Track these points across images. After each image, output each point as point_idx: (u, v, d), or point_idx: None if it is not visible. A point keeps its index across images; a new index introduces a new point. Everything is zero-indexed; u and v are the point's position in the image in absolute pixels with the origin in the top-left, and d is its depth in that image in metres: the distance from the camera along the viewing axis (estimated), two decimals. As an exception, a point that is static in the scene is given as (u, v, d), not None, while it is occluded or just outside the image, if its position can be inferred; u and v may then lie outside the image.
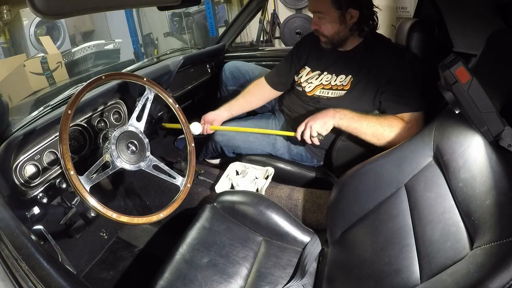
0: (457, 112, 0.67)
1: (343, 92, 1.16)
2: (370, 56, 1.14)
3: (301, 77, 1.28)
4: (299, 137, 1.16)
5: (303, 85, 1.26)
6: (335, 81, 1.19)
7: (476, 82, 0.61)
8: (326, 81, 1.21)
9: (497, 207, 0.53)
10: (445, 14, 1.09)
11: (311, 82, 1.24)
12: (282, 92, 1.42)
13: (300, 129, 1.14)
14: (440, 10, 1.10)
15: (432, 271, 0.58)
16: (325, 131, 1.10)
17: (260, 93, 1.41)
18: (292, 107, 1.32)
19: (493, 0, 0.88)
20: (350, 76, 1.16)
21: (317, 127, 1.10)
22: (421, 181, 0.76)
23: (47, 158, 0.90)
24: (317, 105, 1.22)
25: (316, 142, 1.13)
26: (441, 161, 0.72)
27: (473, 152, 0.65)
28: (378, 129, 1.05)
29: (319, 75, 1.23)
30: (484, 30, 0.87)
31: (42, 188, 0.89)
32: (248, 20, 1.81)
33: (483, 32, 0.81)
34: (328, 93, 1.20)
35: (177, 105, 1.01)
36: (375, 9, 1.15)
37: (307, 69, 1.27)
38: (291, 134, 1.23)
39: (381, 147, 1.05)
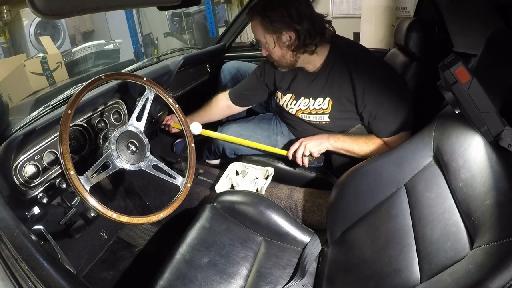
0: (457, 112, 0.67)
1: (326, 116, 1.15)
2: (345, 74, 1.08)
3: (279, 101, 1.28)
4: (290, 156, 1.18)
5: (286, 109, 1.26)
6: (313, 105, 1.16)
7: (476, 82, 0.61)
8: (304, 105, 1.18)
9: (497, 207, 0.53)
10: (445, 14, 1.09)
11: (291, 107, 1.23)
12: (244, 108, 1.43)
13: (293, 147, 1.16)
14: (440, 10, 1.10)
15: (432, 271, 0.58)
16: (317, 151, 1.13)
17: (219, 108, 1.41)
18: (287, 116, 1.31)
19: (493, 0, 0.88)
20: (328, 98, 1.12)
21: (311, 146, 1.13)
22: (421, 181, 0.76)
23: (47, 158, 0.90)
24: (306, 123, 1.23)
25: (306, 163, 1.16)
26: (441, 161, 0.72)
27: (473, 152, 0.65)
28: (365, 151, 1.11)
29: (296, 99, 1.20)
30: (484, 30, 0.87)
31: (42, 188, 0.89)
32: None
33: (483, 32, 0.81)
34: (309, 117, 1.19)
35: (177, 105, 1.01)
36: (328, 18, 1.10)
37: (280, 93, 1.26)
38: (283, 152, 1.23)
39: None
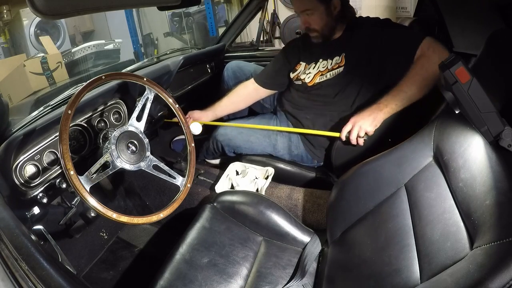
0: (457, 112, 0.67)
1: (341, 68, 1.20)
2: (356, 33, 1.20)
3: (299, 72, 1.31)
4: (343, 138, 1.12)
5: (301, 77, 1.29)
6: (331, 64, 1.23)
7: (476, 82, 0.61)
8: (323, 67, 1.24)
9: (497, 207, 0.53)
10: (445, 14, 1.09)
11: (310, 73, 1.27)
12: (270, 91, 1.43)
13: (346, 129, 1.10)
14: (440, 10, 1.10)
15: (432, 271, 0.58)
16: (373, 128, 1.08)
17: (245, 93, 1.43)
18: (295, 102, 1.33)
19: (493, 0, 0.88)
20: (343, 54, 1.20)
21: (366, 126, 1.07)
22: (421, 181, 0.76)
23: (47, 158, 0.90)
24: (320, 91, 1.25)
25: (361, 143, 1.10)
26: (441, 161, 0.72)
27: (473, 152, 0.65)
28: (417, 80, 1.05)
29: (315, 63, 1.27)
30: (484, 30, 0.87)
31: (42, 188, 0.89)
32: (248, 20, 1.81)
33: (483, 32, 0.81)
34: (326, 76, 1.23)
35: (177, 105, 1.01)
36: None
37: (303, 64, 1.32)
38: (336, 134, 1.15)
39: (431, 88, 1.04)
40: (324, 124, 1.25)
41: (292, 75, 1.34)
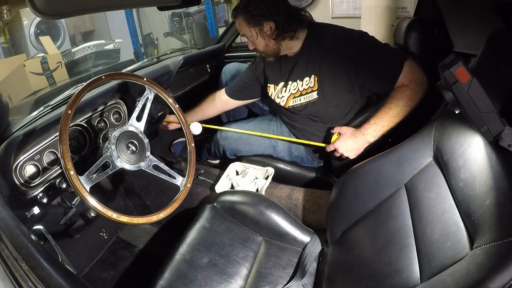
0: (457, 112, 0.67)
1: (314, 93, 1.17)
2: (323, 48, 1.14)
3: (271, 95, 1.30)
4: (328, 150, 1.16)
5: (277, 101, 1.28)
6: (302, 86, 1.19)
7: (476, 82, 0.61)
8: (294, 89, 1.21)
9: (497, 207, 0.53)
10: (445, 14, 1.09)
11: (283, 96, 1.25)
12: (241, 102, 1.46)
13: (329, 149, 1.15)
14: (440, 10, 1.10)
15: (432, 271, 0.58)
16: (356, 156, 1.11)
17: (214, 103, 1.46)
18: (284, 113, 1.32)
19: (493, 0, 0.88)
20: (313, 75, 1.17)
21: (349, 155, 1.10)
22: (421, 181, 0.76)
23: (47, 158, 0.90)
24: (300, 112, 1.23)
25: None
26: (441, 161, 0.72)
27: (473, 152, 0.65)
28: (399, 112, 1.06)
29: (285, 86, 1.23)
30: (484, 30, 0.87)
31: (42, 188, 0.89)
32: (248, 20, 1.80)
33: (483, 32, 0.81)
34: (300, 99, 1.20)
35: (177, 105, 1.01)
36: (300, 6, 1.18)
37: (271, 85, 1.29)
38: (323, 145, 1.20)
39: (409, 117, 1.06)
40: (315, 129, 1.25)
41: (269, 94, 1.32)
